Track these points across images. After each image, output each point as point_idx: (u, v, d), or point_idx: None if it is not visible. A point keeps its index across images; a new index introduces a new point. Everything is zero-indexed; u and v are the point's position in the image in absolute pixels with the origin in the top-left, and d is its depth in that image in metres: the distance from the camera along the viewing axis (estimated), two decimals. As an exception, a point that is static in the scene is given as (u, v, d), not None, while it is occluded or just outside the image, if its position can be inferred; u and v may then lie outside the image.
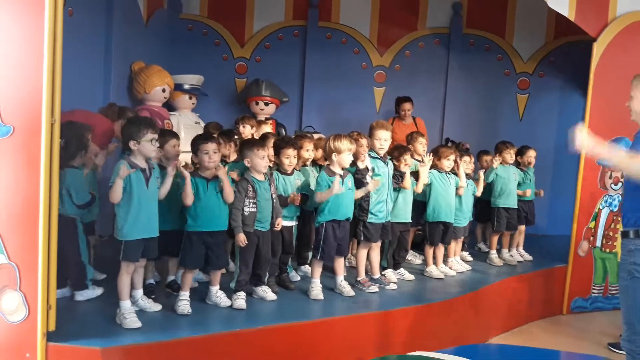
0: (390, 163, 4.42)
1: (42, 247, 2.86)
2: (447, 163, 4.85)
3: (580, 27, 5.18)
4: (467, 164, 5.13)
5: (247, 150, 3.81)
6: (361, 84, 7.29)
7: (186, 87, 6.30)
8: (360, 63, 7.30)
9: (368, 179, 4.23)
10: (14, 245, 2.87)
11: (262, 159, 3.78)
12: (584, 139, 2.83)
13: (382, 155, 4.36)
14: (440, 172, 4.85)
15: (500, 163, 5.50)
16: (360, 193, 4.16)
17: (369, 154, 4.32)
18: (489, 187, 5.52)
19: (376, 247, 4.39)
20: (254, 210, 3.75)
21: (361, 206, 4.24)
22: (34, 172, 2.83)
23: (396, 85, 7.10)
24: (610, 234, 5.40)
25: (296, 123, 7.10)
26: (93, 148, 3.93)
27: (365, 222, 4.24)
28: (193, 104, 6.44)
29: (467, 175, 5.14)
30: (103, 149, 4.20)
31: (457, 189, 4.94)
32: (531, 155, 5.70)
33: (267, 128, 5.22)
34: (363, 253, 4.32)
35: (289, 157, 4.08)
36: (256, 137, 4.97)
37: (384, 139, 4.31)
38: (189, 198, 3.48)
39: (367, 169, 4.24)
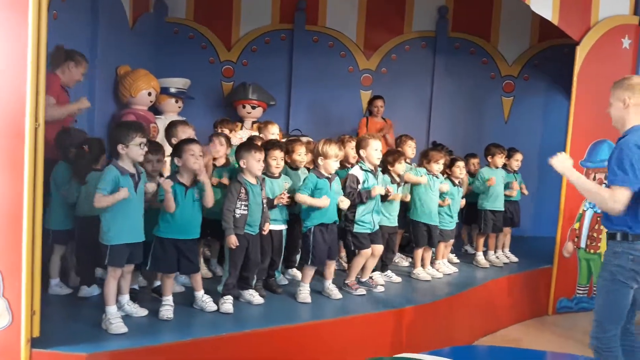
0: (380, 175, 4.41)
1: (25, 253, 2.83)
2: (437, 167, 4.88)
3: (564, 31, 5.25)
4: (460, 169, 5.16)
5: (244, 152, 3.79)
6: (348, 88, 7.30)
7: (172, 90, 6.27)
8: (347, 66, 7.32)
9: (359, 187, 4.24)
10: (-3, 251, 2.84)
11: (258, 161, 3.77)
12: (559, 159, 3.03)
13: (376, 165, 4.33)
14: (428, 174, 4.88)
15: (488, 166, 5.55)
16: (344, 204, 4.14)
17: (361, 167, 4.30)
18: (474, 192, 5.57)
19: (377, 253, 4.38)
20: (245, 213, 3.74)
21: (346, 217, 4.24)
22: (18, 176, 2.81)
23: (382, 88, 7.13)
24: (595, 235, 5.46)
25: (283, 126, 7.08)
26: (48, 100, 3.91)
27: (352, 232, 4.25)
28: (179, 107, 6.41)
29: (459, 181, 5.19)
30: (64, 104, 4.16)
31: (443, 199, 4.97)
32: (518, 158, 5.75)
33: (275, 129, 5.11)
34: (361, 261, 4.30)
35: (276, 159, 4.07)
36: (263, 136, 4.97)
37: (380, 149, 4.31)
38: (172, 206, 3.43)
39: (357, 180, 4.21)
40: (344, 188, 4.19)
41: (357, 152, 4.38)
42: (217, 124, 5.21)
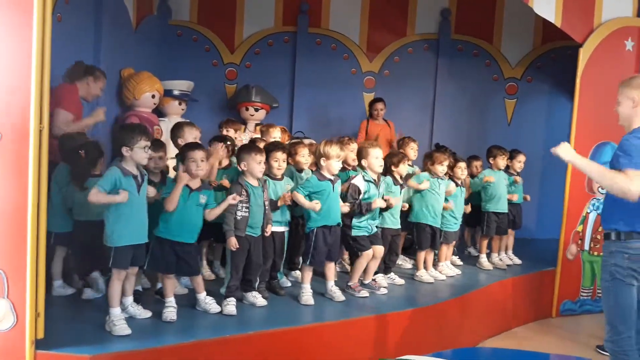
0: (382, 185, 4.40)
1: (30, 255, 2.84)
2: (441, 168, 4.87)
3: (567, 33, 5.25)
4: (462, 170, 5.16)
5: (245, 154, 3.79)
6: (351, 90, 7.31)
7: (176, 93, 6.28)
8: (350, 69, 7.33)
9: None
10: (2, 253, 2.85)
11: (259, 163, 3.78)
12: (564, 147, 2.99)
13: (378, 173, 4.33)
14: (432, 177, 4.87)
15: (491, 168, 5.55)
16: (345, 209, 4.15)
17: (363, 177, 4.28)
18: (479, 192, 5.56)
19: (379, 255, 4.37)
20: (246, 215, 3.74)
21: (344, 222, 4.21)
22: (22, 178, 2.82)
23: (385, 90, 7.13)
24: (598, 237, 5.44)
25: (286, 129, 7.11)
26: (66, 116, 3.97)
27: (351, 235, 4.25)
28: (183, 110, 6.42)
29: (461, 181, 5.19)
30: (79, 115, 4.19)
31: (447, 201, 4.97)
32: (521, 160, 5.75)
33: (276, 132, 5.08)
34: (363, 263, 4.29)
35: (278, 161, 4.08)
36: (266, 140, 4.98)
37: (380, 156, 4.32)
38: (173, 204, 3.42)
39: (359, 190, 4.21)
40: (345, 193, 4.20)
41: (359, 162, 4.38)
42: (222, 125, 5.22)
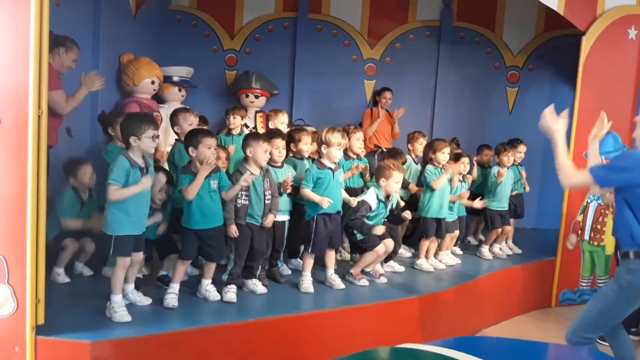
0: (392, 199, 4.40)
1: (30, 240, 2.84)
2: (442, 157, 4.83)
3: (570, 21, 5.21)
4: (465, 165, 5.14)
5: (252, 141, 3.79)
6: (352, 77, 7.26)
7: (175, 79, 6.25)
8: (351, 55, 7.27)
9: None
10: (2, 238, 2.84)
11: (265, 152, 3.77)
12: (551, 118, 3.02)
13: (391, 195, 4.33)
14: (435, 168, 4.85)
15: (498, 164, 5.52)
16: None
17: (377, 195, 4.26)
18: (483, 183, 5.57)
19: (389, 248, 4.35)
20: (246, 203, 3.74)
21: (346, 229, 4.24)
22: (22, 164, 2.81)
23: (386, 78, 7.09)
24: (598, 227, 5.44)
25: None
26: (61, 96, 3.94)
27: (358, 240, 4.25)
28: (182, 96, 6.39)
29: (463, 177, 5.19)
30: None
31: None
32: (521, 150, 5.73)
33: (284, 117, 5.08)
34: (373, 256, 4.29)
35: (278, 148, 4.07)
36: (272, 126, 4.99)
37: (401, 181, 4.32)
38: (193, 193, 3.45)
39: (370, 208, 4.20)
40: (353, 209, 4.19)
41: (377, 179, 4.34)
42: (229, 111, 5.20)
